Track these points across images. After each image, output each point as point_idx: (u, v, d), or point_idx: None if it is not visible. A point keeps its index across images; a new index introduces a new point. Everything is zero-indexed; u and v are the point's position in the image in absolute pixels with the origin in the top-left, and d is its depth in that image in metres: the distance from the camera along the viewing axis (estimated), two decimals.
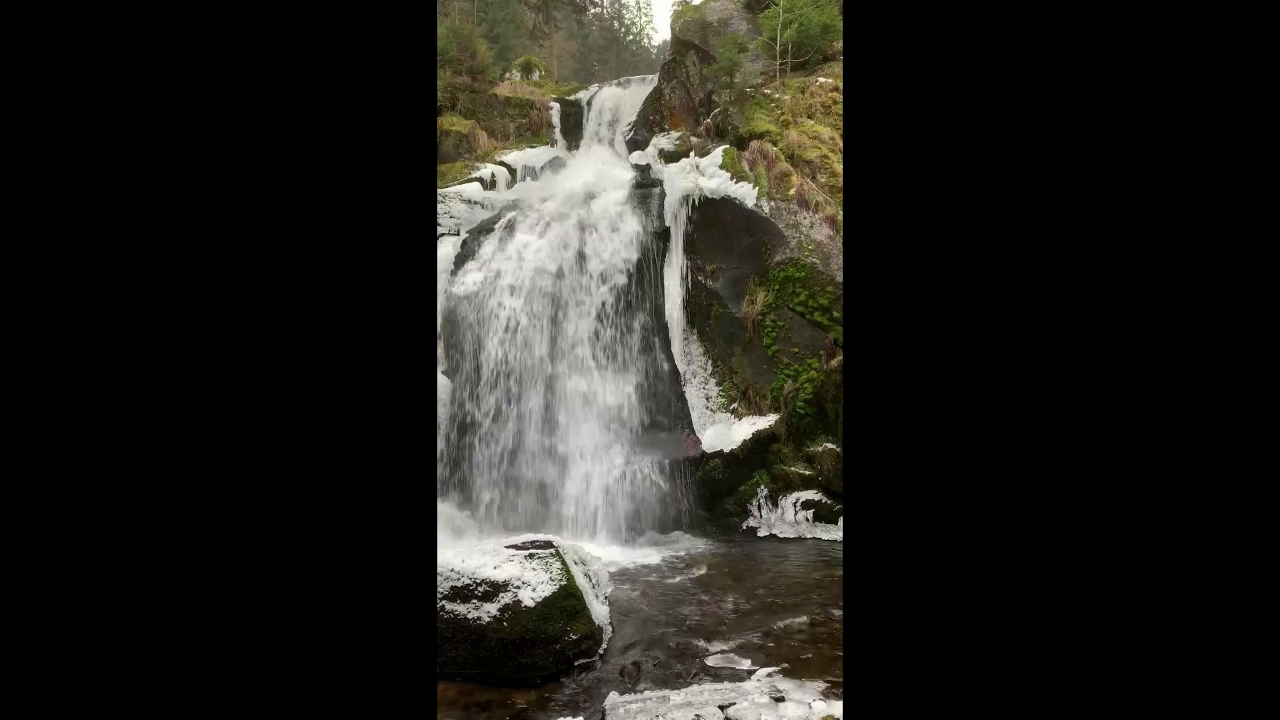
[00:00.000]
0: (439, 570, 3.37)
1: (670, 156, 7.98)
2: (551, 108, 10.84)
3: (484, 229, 7.54)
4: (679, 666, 3.29)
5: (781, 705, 2.72)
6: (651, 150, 8.45)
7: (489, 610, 3.23)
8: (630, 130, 9.83)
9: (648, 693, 2.96)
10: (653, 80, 10.36)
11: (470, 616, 3.22)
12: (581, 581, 3.56)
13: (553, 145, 10.50)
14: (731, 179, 6.73)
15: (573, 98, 11.09)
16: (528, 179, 9.42)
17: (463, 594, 3.28)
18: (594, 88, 11.43)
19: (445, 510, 5.99)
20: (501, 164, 9.59)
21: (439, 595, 3.30)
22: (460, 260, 7.20)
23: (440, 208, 8.76)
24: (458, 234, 8.10)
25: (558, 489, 6.05)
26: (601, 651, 3.44)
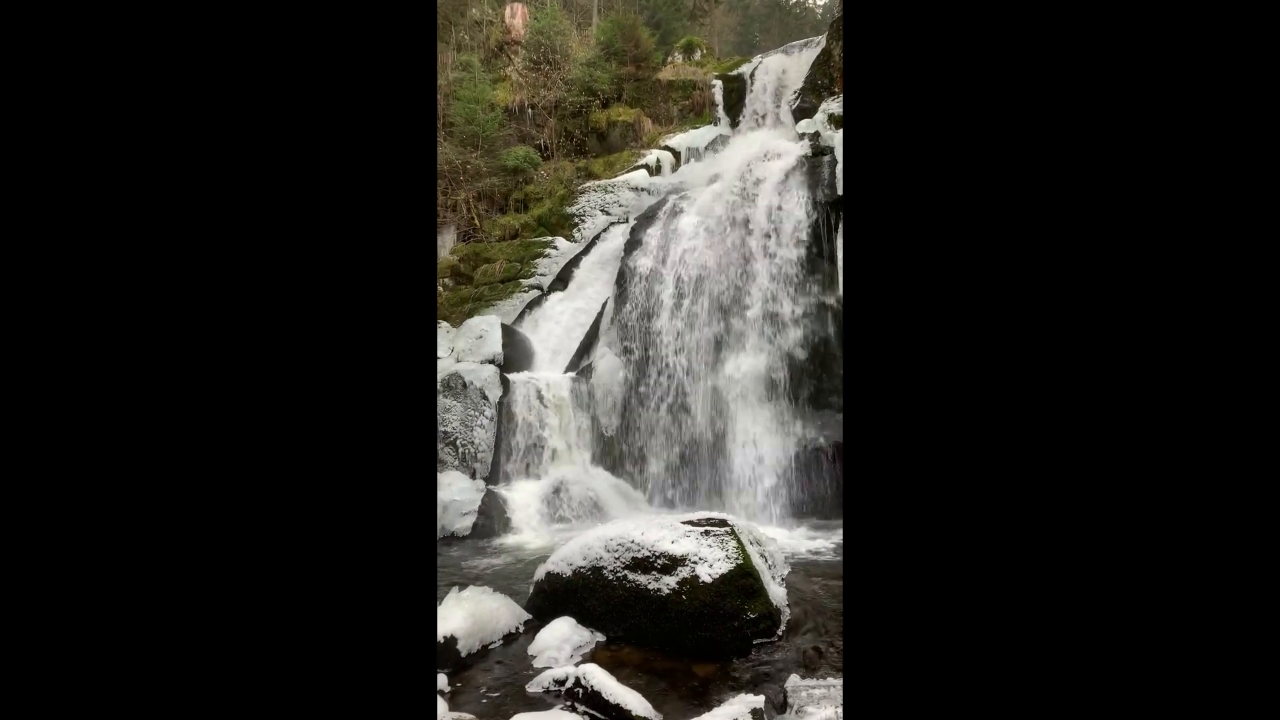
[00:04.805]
0: (621, 540, 3.55)
1: (841, 121, 7.51)
2: (713, 86, 10.73)
3: (650, 214, 7.71)
4: None
5: None
6: (820, 116, 8.03)
7: (668, 583, 3.33)
8: (796, 98, 9.42)
9: (830, 679, 2.87)
10: (819, 42, 9.81)
11: (651, 588, 3.35)
12: (757, 561, 3.54)
13: (715, 124, 10.40)
14: None
15: (734, 73, 10.88)
16: (692, 160, 9.44)
17: (643, 565, 3.42)
18: (756, 59, 11.11)
19: (616, 482, 6.30)
20: (666, 148, 9.72)
21: (622, 565, 3.47)
22: (629, 247, 7.44)
23: (610, 197, 9.11)
24: (626, 221, 8.38)
25: (726, 467, 6.07)
26: (780, 633, 3.40)
